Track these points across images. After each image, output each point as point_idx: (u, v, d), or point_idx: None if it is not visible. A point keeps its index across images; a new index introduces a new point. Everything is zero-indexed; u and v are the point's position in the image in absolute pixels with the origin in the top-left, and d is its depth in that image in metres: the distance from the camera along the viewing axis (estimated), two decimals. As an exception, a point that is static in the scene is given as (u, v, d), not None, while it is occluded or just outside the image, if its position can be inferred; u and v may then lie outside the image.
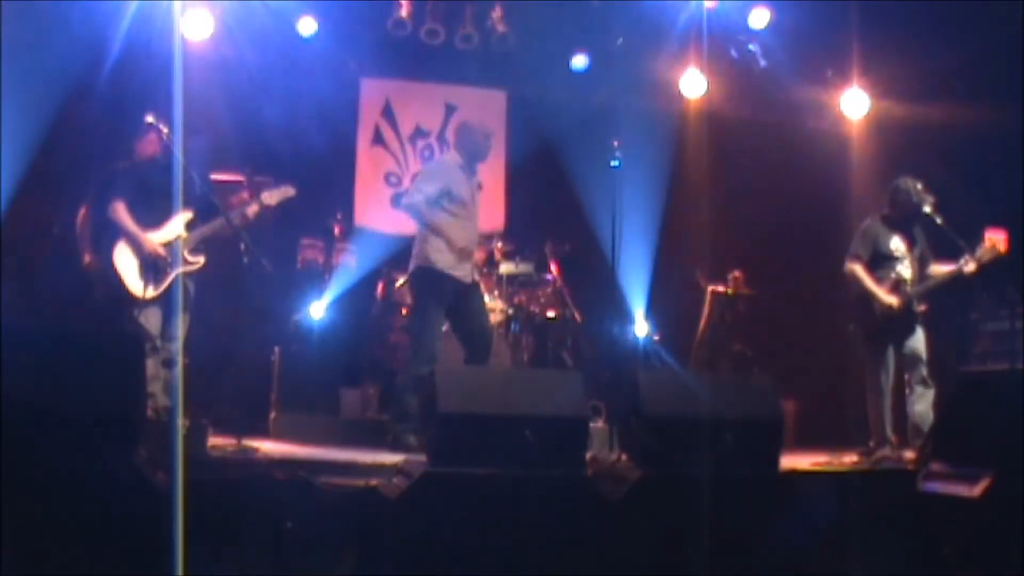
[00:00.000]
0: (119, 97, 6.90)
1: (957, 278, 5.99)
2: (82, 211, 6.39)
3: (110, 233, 5.67)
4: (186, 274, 5.65)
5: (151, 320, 5.51)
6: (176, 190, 5.68)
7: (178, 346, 5.62)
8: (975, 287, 6.76)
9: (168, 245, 5.60)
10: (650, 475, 4.13)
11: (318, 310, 7.27)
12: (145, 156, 5.92)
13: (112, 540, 3.52)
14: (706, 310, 8.49)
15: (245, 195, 5.80)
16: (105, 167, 6.13)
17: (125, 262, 5.55)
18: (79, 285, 6.44)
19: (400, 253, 7.79)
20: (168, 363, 5.56)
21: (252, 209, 5.70)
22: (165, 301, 5.59)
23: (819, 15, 8.13)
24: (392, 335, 7.42)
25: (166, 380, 5.56)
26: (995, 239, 5.95)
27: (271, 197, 5.80)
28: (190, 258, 5.65)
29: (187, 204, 5.70)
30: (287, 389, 6.53)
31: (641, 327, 8.17)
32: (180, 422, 4.83)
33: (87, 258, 6.26)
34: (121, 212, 5.59)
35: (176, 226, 5.67)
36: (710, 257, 8.60)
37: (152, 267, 5.55)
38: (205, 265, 5.69)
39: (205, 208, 5.66)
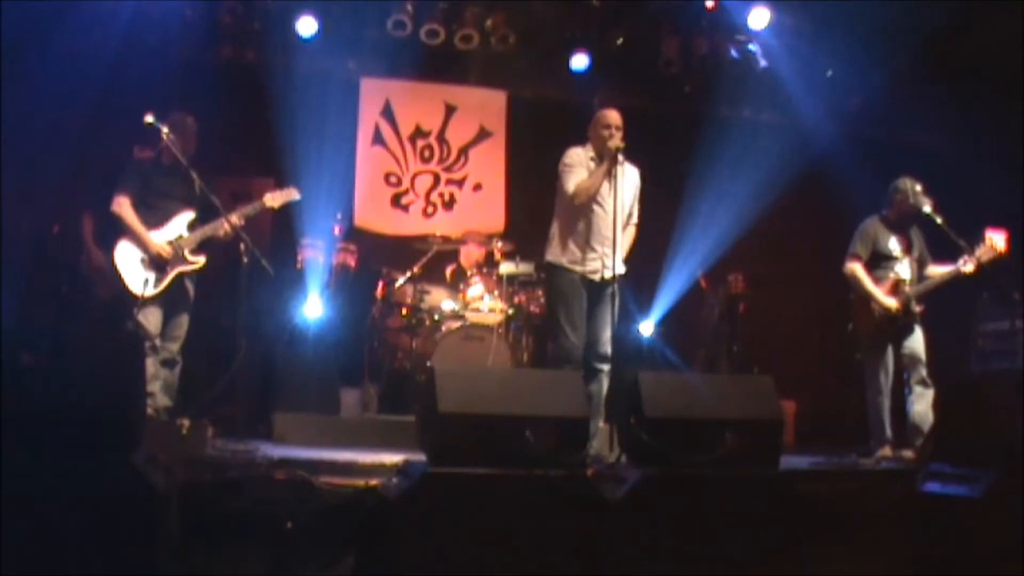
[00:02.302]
0: (120, 97, 6.91)
1: (957, 278, 5.99)
2: (86, 212, 6.39)
3: (112, 230, 5.64)
4: (186, 274, 5.65)
5: (151, 320, 5.50)
6: (178, 190, 5.68)
7: (178, 346, 5.62)
8: (975, 287, 6.77)
9: (171, 245, 5.59)
10: (650, 475, 4.13)
11: (317, 310, 7.28)
12: (144, 156, 5.93)
13: (112, 540, 3.52)
14: (706, 311, 8.51)
15: (249, 198, 5.77)
16: (106, 166, 6.13)
17: (126, 260, 5.54)
18: (79, 285, 6.45)
19: (399, 253, 7.82)
20: (168, 363, 5.57)
21: (254, 211, 5.70)
22: (165, 301, 5.59)
23: (819, 15, 8.15)
24: (392, 335, 7.42)
25: (166, 380, 5.56)
26: (995, 239, 5.95)
27: (274, 199, 5.81)
28: (191, 258, 5.63)
29: (188, 204, 5.70)
30: (287, 389, 6.52)
31: (642, 327, 8.18)
32: (180, 422, 4.85)
33: (95, 257, 6.26)
34: (126, 208, 5.57)
35: (178, 226, 5.67)
36: (710, 258, 8.60)
37: (153, 266, 5.53)
38: (205, 266, 5.68)
39: (206, 209, 5.66)
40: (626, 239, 5.60)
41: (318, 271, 7.52)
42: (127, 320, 5.47)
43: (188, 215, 5.70)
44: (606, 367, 5.43)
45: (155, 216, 5.63)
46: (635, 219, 5.70)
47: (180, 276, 5.60)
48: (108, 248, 5.64)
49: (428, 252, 7.54)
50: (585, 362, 5.38)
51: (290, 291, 7.26)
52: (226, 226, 5.60)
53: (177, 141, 5.54)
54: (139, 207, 5.60)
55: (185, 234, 5.66)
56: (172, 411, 5.49)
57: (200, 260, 5.66)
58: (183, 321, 5.68)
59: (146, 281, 5.49)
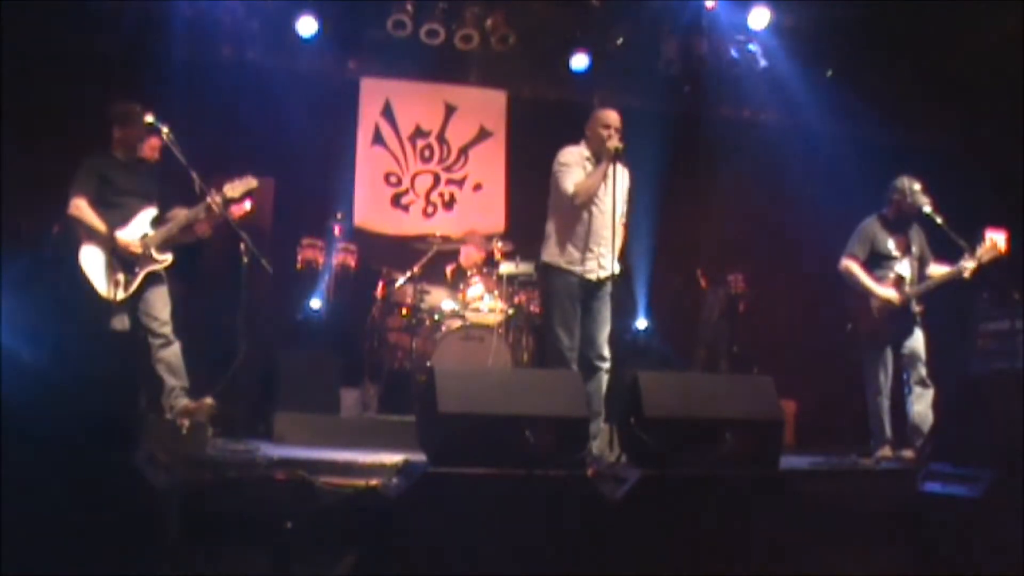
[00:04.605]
0: (119, 96, 6.90)
1: (957, 278, 5.99)
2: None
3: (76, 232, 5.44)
4: (155, 273, 5.50)
5: (125, 321, 5.35)
6: (137, 186, 5.53)
7: (168, 328, 5.49)
8: (975, 287, 6.77)
9: (140, 243, 5.43)
10: (650, 475, 4.13)
11: (317, 310, 7.28)
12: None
13: (112, 540, 3.52)
14: (706, 311, 8.51)
15: (212, 191, 5.53)
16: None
17: (93, 265, 5.35)
18: (79, 285, 6.43)
19: (399, 253, 7.82)
20: (163, 347, 5.41)
21: (216, 203, 5.44)
22: (138, 296, 5.45)
23: (819, 15, 8.16)
24: (392, 335, 7.42)
25: (168, 362, 5.34)
26: (995, 239, 5.94)
27: (233, 190, 5.55)
28: (158, 256, 5.47)
29: (149, 200, 5.55)
30: (287, 389, 6.52)
31: (637, 323, 8.21)
32: (180, 422, 4.84)
33: None
34: (84, 210, 5.35)
35: (142, 223, 5.51)
36: (710, 257, 8.61)
37: (122, 268, 5.37)
38: (173, 263, 5.53)
39: (169, 204, 5.56)
40: (617, 239, 5.61)
41: (318, 271, 7.52)
42: (111, 320, 5.34)
43: (151, 211, 5.53)
44: (605, 365, 5.43)
45: (118, 214, 5.43)
46: (623, 219, 5.69)
47: (149, 276, 5.45)
48: (75, 251, 5.42)
49: (428, 252, 7.53)
50: (584, 361, 5.39)
51: (290, 291, 7.25)
52: (189, 222, 5.48)
53: (131, 132, 5.41)
54: (99, 207, 5.40)
55: (150, 232, 5.49)
56: (188, 390, 5.37)
57: (167, 258, 5.49)
58: (163, 303, 5.48)
59: (116, 284, 5.32)
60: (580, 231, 5.49)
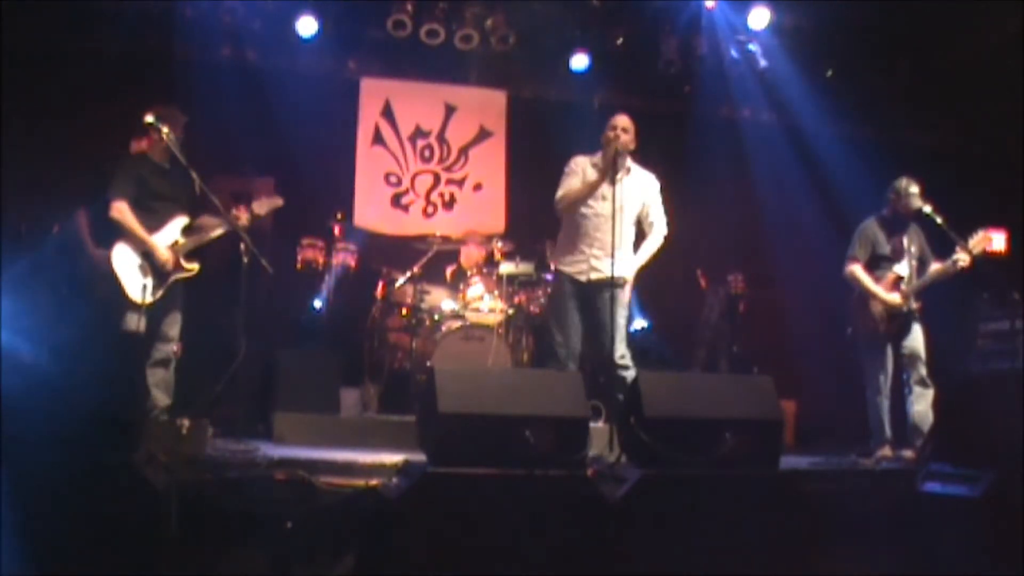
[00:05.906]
0: (120, 96, 6.91)
1: (952, 271, 5.96)
2: (82, 209, 6.36)
3: (107, 229, 5.54)
4: (181, 280, 5.58)
5: (143, 324, 5.38)
6: (171, 191, 5.62)
7: (172, 346, 5.57)
8: (975, 287, 6.77)
9: (171, 251, 5.52)
10: (650, 475, 4.13)
11: (317, 310, 7.25)
12: (140, 149, 5.82)
13: (111, 540, 3.52)
14: (706, 311, 8.51)
15: (241, 206, 5.69)
16: (106, 166, 6.06)
17: (124, 265, 5.44)
18: (79, 285, 6.43)
19: (399, 253, 7.81)
20: (164, 363, 5.50)
21: (244, 218, 5.61)
22: (158, 304, 5.52)
23: (819, 15, 8.16)
24: (392, 335, 7.42)
25: (164, 379, 5.51)
26: (989, 233, 5.94)
27: (260, 207, 5.72)
28: (186, 265, 5.55)
29: (182, 207, 5.62)
30: (287, 389, 6.52)
31: (635, 324, 8.20)
32: (180, 422, 4.85)
33: (94, 256, 6.20)
34: (127, 214, 5.45)
35: (174, 230, 5.59)
36: (710, 257, 8.61)
37: (152, 272, 5.43)
38: (200, 272, 5.61)
39: (207, 211, 5.61)
40: (647, 248, 5.62)
41: (318, 271, 7.51)
42: (125, 321, 5.40)
43: (183, 219, 5.61)
44: (621, 373, 5.35)
45: (152, 219, 5.51)
46: (661, 228, 5.65)
47: (175, 282, 5.54)
48: (105, 247, 5.56)
49: (428, 252, 7.53)
50: (603, 371, 5.37)
51: (290, 291, 7.23)
52: (220, 232, 5.57)
53: (175, 139, 5.48)
54: (135, 209, 5.48)
55: (181, 239, 5.58)
56: (172, 410, 5.47)
57: (194, 267, 5.58)
58: (176, 321, 5.60)
59: (144, 287, 5.37)
60: (574, 233, 5.56)
